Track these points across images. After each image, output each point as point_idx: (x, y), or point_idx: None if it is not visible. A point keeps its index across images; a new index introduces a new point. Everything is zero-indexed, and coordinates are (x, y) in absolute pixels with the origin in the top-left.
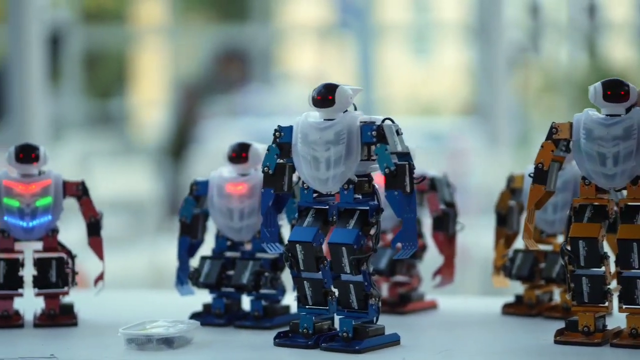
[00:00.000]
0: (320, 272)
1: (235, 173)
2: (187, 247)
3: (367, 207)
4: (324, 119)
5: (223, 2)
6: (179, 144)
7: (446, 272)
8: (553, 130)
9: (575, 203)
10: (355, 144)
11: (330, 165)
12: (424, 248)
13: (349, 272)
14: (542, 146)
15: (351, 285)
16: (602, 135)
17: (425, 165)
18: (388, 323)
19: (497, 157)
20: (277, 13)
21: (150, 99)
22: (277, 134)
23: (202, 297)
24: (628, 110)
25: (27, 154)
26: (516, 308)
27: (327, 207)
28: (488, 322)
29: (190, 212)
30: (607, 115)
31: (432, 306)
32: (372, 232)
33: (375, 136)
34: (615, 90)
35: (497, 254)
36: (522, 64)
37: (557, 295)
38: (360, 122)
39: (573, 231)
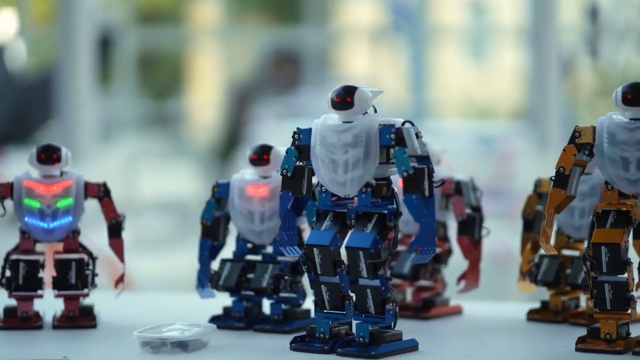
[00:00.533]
0: (337, 277)
1: (256, 175)
2: (209, 249)
3: (386, 211)
4: (343, 122)
5: (278, 4)
6: (229, 145)
7: (471, 277)
8: (576, 134)
9: (598, 208)
10: (373, 147)
11: (348, 168)
12: (449, 252)
13: (365, 276)
14: (564, 150)
15: (368, 290)
16: (626, 139)
17: (474, 168)
18: (410, 328)
19: (547, 161)
20: (331, 15)
21: (205, 100)
22: (296, 136)
23: (223, 300)
24: None
25: (48, 155)
26: (541, 314)
27: (345, 210)
28: (512, 328)
29: (212, 215)
30: (631, 119)
31: (457, 311)
32: (390, 236)
33: (394, 139)
34: (635, 94)
35: (523, 260)
36: (576, 68)
37: (584, 301)
38: (379, 124)
39: (595, 237)
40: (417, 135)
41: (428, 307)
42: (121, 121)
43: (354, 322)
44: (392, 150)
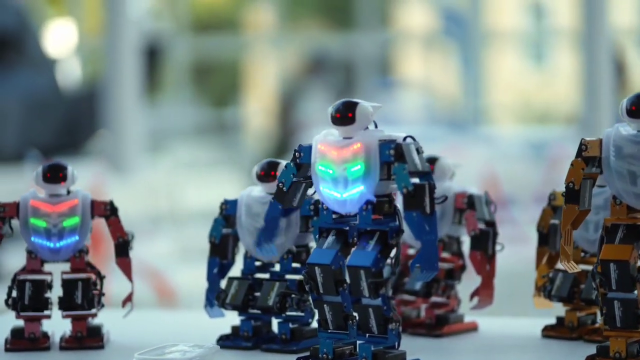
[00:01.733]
0: (339, 296)
1: (263, 192)
2: (217, 267)
3: (387, 229)
4: (343, 137)
5: (332, 10)
6: (278, 153)
7: (484, 293)
8: (582, 147)
9: (607, 222)
10: (372, 163)
11: (348, 185)
12: (462, 268)
13: (367, 295)
14: (572, 164)
15: (370, 310)
16: (632, 152)
17: (524, 173)
18: (422, 346)
19: None
20: (386, 21)
21: (261, 107)
22: (297, 154)
23: (232, 319)
24: None
25: (54, 174)
26: (557, 330)
27: (347, 228)
28: (526, 345)
29: (219, 232)
30: (638, 131)
31: (472, 328)
32: (392, 254)
33: (393, 155)
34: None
35: (538, 274)
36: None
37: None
38: (379, 140)
39: (604, 253)
40: (418, 151)
41: (441, 324)
42: (172, 130)
43: (358, 342)
44: (392, 167)
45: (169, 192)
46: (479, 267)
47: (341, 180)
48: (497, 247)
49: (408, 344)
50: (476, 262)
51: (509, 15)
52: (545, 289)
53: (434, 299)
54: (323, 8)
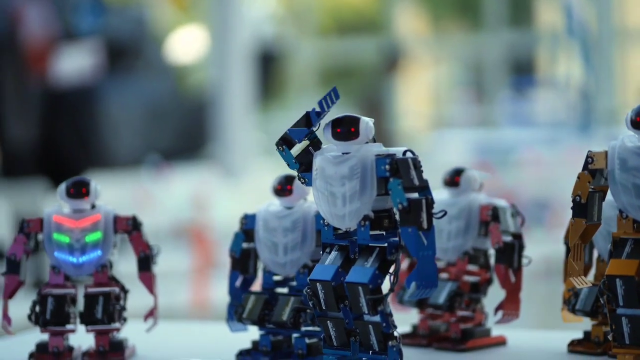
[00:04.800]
0: (341, 312)
1: (281, 206)
2: (240, 282)
3: (386, 244)
4: (343, 153)
5: (471, 10)
6: None
7: (509, 307)
8: (589, 159)
9: (615, 236)
10: (369, 179)
11: (346, 201)
12: (488, 282)
13: (366, 312)
14: (578, 177)
15: (370, 326)
16: (637, 165)
17: None
18: None
19: None
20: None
21: (413, 111)
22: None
23: (255, 333)
24: None
25: (77, 189)
26: (584, 345)
27: (348, 244)
28: None
29: (239, 247)
30: None
31: (501, 342)
32: (392, 269)
33: (388, 170)
34: None
35: (566, 287)
36: None
37: None
38: (376, 155)
39: (610, 268)
40: (415, 166)
41: (467, 338)
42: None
43: None
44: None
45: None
46: (503, 280)
47: (339, 196)
48: (525, 261)
49: (432, 358)
50: (500, 275)
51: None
52: (569, 303)
53: (461, 312)
54: (464, 8)
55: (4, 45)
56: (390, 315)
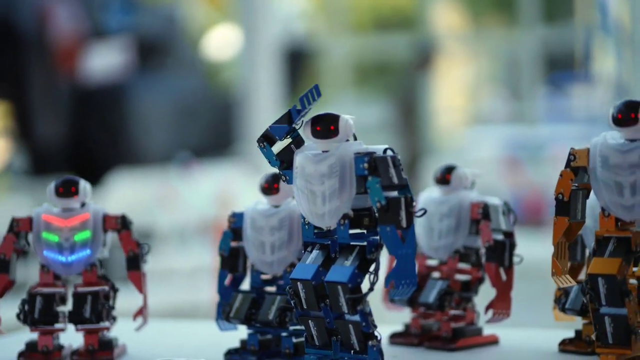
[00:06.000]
0: (322, 311)
1: (268, 205)
2: (229, 280)
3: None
4: (323, 151)
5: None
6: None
7: (499, 305)
8: (571, 157)
9: (597, 235)
10: (348, 177)
11: (325, 199)
12: (480, 280)
13: (346, 311)
14: (560, 175)
15: (350, 325)
16: (619, 162)
17: None
18: None
19: None
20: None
21: (447, 108)
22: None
23: (243, 333)
24: None
25: (66, 188)
26: (575, 344)
27: (329, 242)
28: None
29: (228, 245)
30: (625, 140)
31: (493, 341)
32: (371, 268)
33: (367, 168)
34: (626, 113)
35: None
36: None
37: None
38: (355, 153)
39: (592, 267)
40: (395, 164)
41: (457, 337)
42: None
43: None
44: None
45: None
46: (493, 278)
47: (319, 195)
48: (516, 259)
49: (422, 357)
50: (491, 273)
51: None
52: (560, 302)
53: (453, 311)
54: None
55: (34, 43)
56: (370, 314)
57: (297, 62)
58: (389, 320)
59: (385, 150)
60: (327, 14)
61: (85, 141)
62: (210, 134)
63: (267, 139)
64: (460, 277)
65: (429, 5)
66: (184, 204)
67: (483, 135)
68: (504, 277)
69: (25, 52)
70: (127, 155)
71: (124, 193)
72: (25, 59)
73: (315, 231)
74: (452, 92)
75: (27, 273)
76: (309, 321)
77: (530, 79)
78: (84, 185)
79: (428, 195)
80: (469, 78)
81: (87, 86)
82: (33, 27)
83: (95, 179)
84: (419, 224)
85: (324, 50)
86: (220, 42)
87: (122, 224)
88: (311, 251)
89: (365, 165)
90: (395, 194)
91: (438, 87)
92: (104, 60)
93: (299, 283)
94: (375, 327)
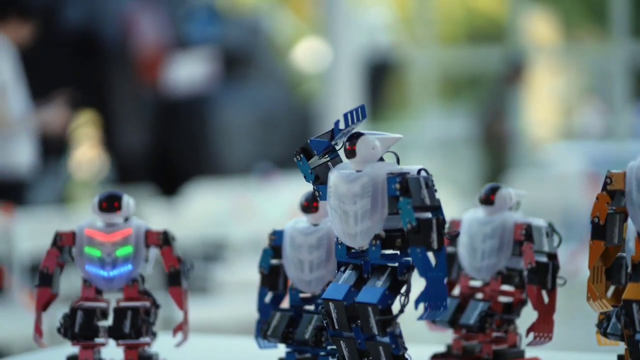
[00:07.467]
0: (353, 332)
1: (308, 223)
2: (270, 298)
3: (397, 265)
4: (356, 170)
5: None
6: (495, 170)
7: (540, 328)
8: (607, 180)
9: (634, 260)
10: (380, 198)
11: (357, 219)
12: (522, 303)
13: (376, 333)
14: (596, 198)
15: (380, 347)
16: None
17: None
18: None
19: None
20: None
21: (540, 121)
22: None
23: (282, 351)
24: None
25: (109, 203)
26: None
27: (362, 263)
28: None
29: (268, 263)
30: None
31: None
32: (402, 290)
33: (399, 189)
34: None
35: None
36: None
37: None
38: (388, 174)
39: (627, 292)
40: (427, 185)
41: (499, 359)
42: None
43: None
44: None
45: None
46: (535, 301)
47: (351, 215)
48: (559, 281)
49: None
50: (532, 296)
51: None
52: (601, 326)
53: (495, 333)
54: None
55: (117, 53)
56: (400, 336)
57: (381, 74)
58: (431, 340)
59: (419, 171)
60: (414, 25)
61: (167, 152)
62: (292, 145)
63: (304, 152)
64: (503, 298)
65: (521, 17)
66: (259, 215)
67: (572, 149)
68: (546, 299)
69: (108, 62)
70: (208, 165)
71: (202, 203)
72: (109, 69)
73: (348, 251)
74: (542, 105)
75: (71, 287)
76: (341, 342)
77: (622, 93)
78: (127, 200)
79: (472, 215)
80: (560, 91)
81: (171, 97)
82: (117, 38)
83: (174, 189)
84: (462, 245)
85: (408, 62)
86: (307, 54)
87: (163, 240)
88: (344, 271)
89: (397, 185)
90: (427, 215)
91: (528, 101)
92: (188, 71)
93: (330, 303)
94: (406, 349)
